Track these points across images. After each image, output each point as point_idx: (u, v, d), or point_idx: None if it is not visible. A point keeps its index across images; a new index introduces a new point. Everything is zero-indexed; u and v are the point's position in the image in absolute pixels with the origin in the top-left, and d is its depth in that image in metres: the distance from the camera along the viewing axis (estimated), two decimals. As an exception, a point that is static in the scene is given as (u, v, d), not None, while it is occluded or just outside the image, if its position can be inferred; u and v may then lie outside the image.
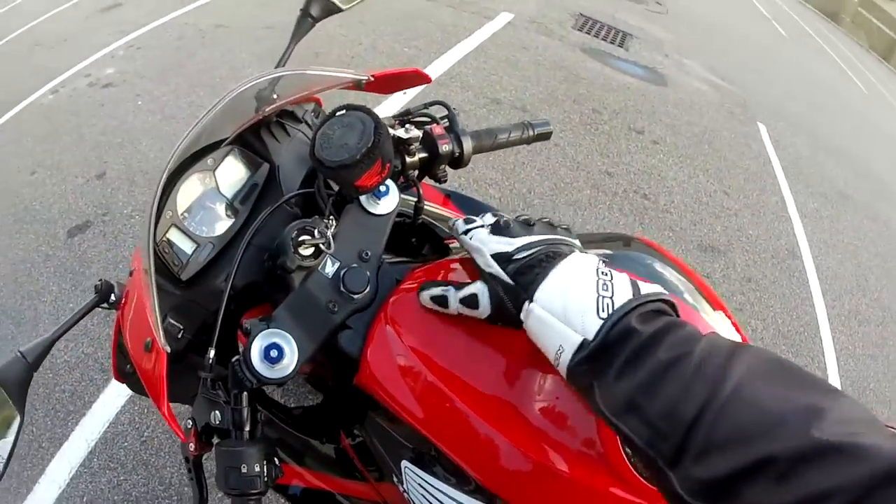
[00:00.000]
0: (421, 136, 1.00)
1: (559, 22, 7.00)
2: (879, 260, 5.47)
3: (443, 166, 1.04)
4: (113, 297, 0.99)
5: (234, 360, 0.76)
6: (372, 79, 1.08)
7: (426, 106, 1.08)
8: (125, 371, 0.96)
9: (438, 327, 0.81)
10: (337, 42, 5.25)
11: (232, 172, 0.95)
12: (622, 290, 0.61)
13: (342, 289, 0.82)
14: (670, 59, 7.32)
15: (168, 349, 0.77)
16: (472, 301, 0.73)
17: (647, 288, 0.62)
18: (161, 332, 0.78)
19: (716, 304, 0.85)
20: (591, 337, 0.58)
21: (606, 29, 7.31)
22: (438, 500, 0.80)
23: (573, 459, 0.69)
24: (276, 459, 0.79)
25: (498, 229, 0.75)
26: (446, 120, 1.06)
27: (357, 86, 1.09)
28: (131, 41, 5.49)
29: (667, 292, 0.63)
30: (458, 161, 1.04)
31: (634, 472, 0.67)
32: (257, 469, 0.75)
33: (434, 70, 5.08)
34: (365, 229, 0.88)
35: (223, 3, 6.33)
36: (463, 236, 0.79)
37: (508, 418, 0.72)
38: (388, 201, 0.90)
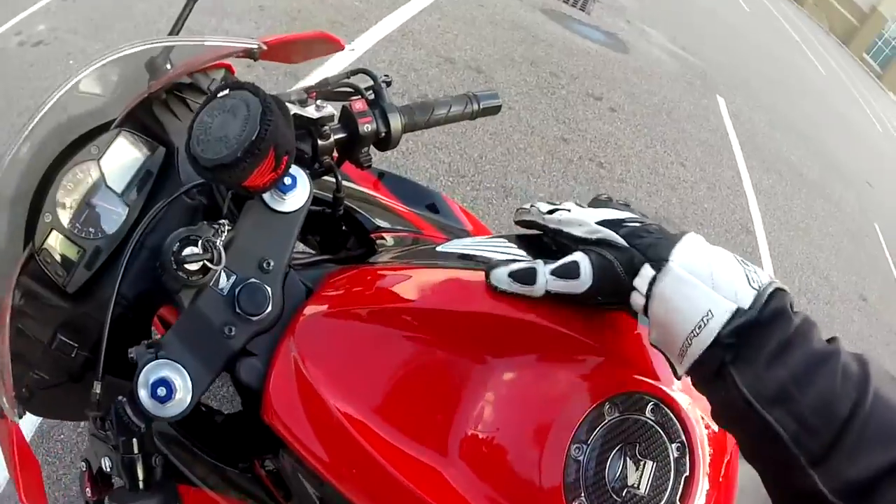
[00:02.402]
0: (338, 113, 0.87)
1: (520, -19, 6.82)
2: (830, 240, 5.65)
3: (366, 149, 0.91)
4: None
5: (118, 400, 0.68)
6: (264, 47, 0.93)
7: (348, 75, 0.94)
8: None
9: (354, 357, 0.71)
10: (283, -8, 4.95)
11: (121, 160, 0.83)
12: (761, 270, 0.57)
13: (238, 309, 0.71)
14: (632, 25, 7.28)
15: (17, 420, 0.71)
16: (569, 271, 0.64)
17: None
18: (8, 401, 0.71)
19: None
20: (746, 305, 0.53)
21: (568, -9, 7.16)
22: None
23: None
24: None
25: (598, 202, 0.71)
26: (372, 92, 0.92)
27: (250, 56, 0.93)
28: (67, -8, 5.10)
29: None
30: (384, 142, 0.91)
31: None
32: None
33: (385, 26, 4.84)
34: (268, 232, 0.76)
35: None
36: (549, 216, 0.70)
37: (431, 473, 0.64)
38: (297, 195, 0.77)
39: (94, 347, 0.80)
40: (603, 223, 0.65)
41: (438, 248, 0.86)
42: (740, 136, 6.15)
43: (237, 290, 0.72)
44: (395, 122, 0.91)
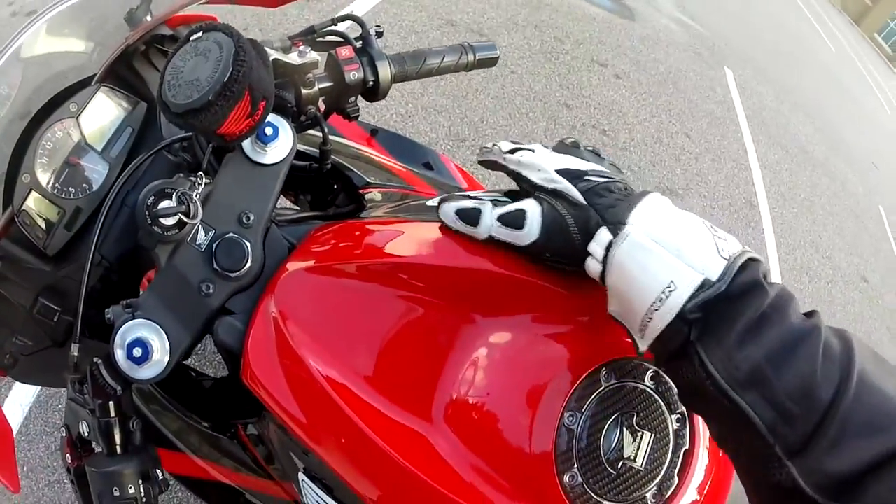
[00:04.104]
0: (323, 61, 0.84)
1: (526, -57, 6.66)
2: (833, 219, 5.61)
3: (352, 99, 0.88)
4: None
5: (93, 361, 0.67)
6: None
7: (334, 22, 0.91)
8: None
9: (337, 315, 0.67)
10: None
11: (100, 116, 0.81)
12: (731, 238, 0.53)
13: (215, 266, 0.69)
14: None
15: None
16: (516, 219, 0.60)
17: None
18: None
19: None
20: (714, 277, 0.49)
21: (576, -45, 6.98)
22: None
23: (493, 496, 0.59)
24: (158, 472, 0.69)
25: (564, 147, 0.65)
26: (360, 40, 0.89)
27: None
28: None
29: None
30: (372, 91, 0.88)
31: None
32: (132, 491, 0.66)
33: (386, -16, 4.75)
34: (248, 184, 0.73)
35: None
36: (510, 156, 0.65)
37: (414, 438, 0.61)
38: (280, 146, 0.74)
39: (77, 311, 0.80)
40: (563, 172, 0.61)
41: (428, 203, 0.83)
42: (747, 110, 6.08)
43: (215, 246, 0.69)
44: (384, 70, 0.87)
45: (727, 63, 6.84)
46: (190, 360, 0.90)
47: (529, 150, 0.65)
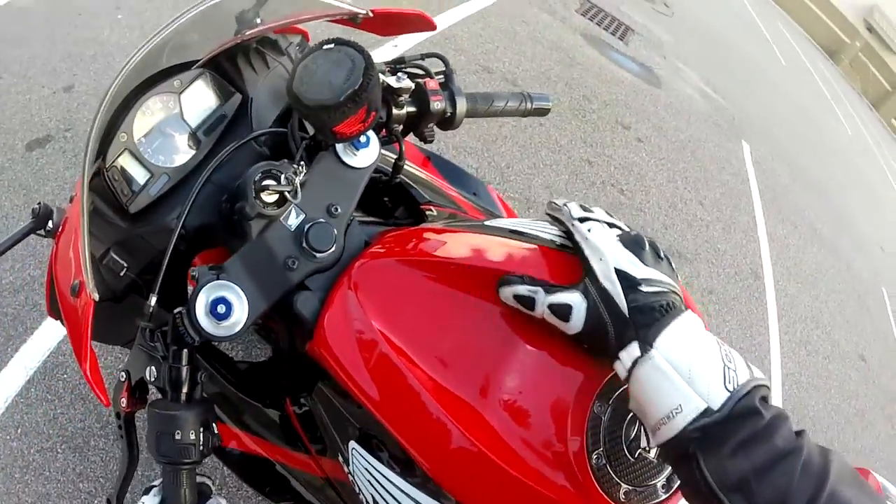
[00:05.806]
0: (412, 88, 0.93)
1: (564, 3, 6.77)
2: (836, 297, 5.61)
3: (431, 125, 0.97)
4: (51, 224, 0.94)
5: (176, 311, 0.71)
6: (371, 14, 0.99)
7: (423, 57, 1.00)
8: (60, 308, 0.88)
9: (407, 300, 0.75)
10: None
11: (199, 99, 0.86)
12: (741, 366, 0.61)
13: (304, 245, 0.76)
14: (668, 61, 7.24)
15: (97, 297, 0.70)
16: (563, 312, 0.66)
17: (755, 370, 0.62)
18: (91, 276, 0.70)
19: (688, 305, 0.82)
20: (715, 406, 0.58)
21: (610, 19, 7.09)
22: (384, 488, 0.76)
23: (535, 465, 0.67)
24: (214, 426, 0.74)
25: (630, 242, 0.69)
26: (442, 76, 0.99)
27: (353, 20, 1.01)
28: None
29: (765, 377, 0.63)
30: (448, 121, 0.98)
31: (599, 489, 0.65)
32: (192, 437, 0.70)
33: (430, 27, 4.86)
34: (338, 182, 0.82)
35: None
36: (579, 224, 0.71)
37: (470, 411, 0.69)
38: (367, 154, 0.83)
39: (143, 271, 0.84)
40: (620, 275, 0.65)
41: (486, 223, 0.89)
42: (760, 184, 6.12)
43: (306, 228, 0.76)
44: (461, 105, 0.97)
45: (745, 137, 6.88)
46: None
47: (597, 221, 0.71)
